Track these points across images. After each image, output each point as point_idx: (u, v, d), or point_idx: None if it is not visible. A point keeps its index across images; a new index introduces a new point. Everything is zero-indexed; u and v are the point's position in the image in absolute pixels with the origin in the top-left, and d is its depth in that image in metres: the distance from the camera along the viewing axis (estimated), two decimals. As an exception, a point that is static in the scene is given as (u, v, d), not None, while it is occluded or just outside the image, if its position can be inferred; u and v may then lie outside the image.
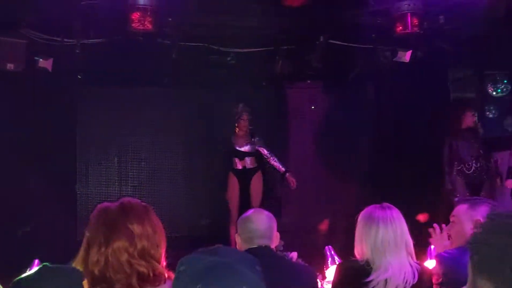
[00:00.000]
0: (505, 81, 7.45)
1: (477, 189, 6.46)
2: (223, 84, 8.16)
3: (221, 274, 1.18)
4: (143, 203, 1.98)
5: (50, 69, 7.40)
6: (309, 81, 8.30)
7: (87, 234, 1.93)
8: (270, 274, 2.44)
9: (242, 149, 7.11)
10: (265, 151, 7.25)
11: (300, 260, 4.58)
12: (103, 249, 1.84)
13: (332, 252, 4.27)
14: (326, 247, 4.38)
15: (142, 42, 7.35)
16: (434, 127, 8.38)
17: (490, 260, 1.07)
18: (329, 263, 4.19)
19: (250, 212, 2.94)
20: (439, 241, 2.85)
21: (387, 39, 7.77)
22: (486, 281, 1.06)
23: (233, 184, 7.11)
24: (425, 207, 8.29)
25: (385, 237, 2.58)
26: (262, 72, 8.35)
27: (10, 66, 6.83)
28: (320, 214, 8.30)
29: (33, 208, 7.47)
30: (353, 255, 2.78)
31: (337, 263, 3.68)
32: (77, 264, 1.87)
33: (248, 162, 7.11)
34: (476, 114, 6.75)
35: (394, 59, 8.06)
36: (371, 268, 2.59)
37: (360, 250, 2.67)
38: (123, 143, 7.86)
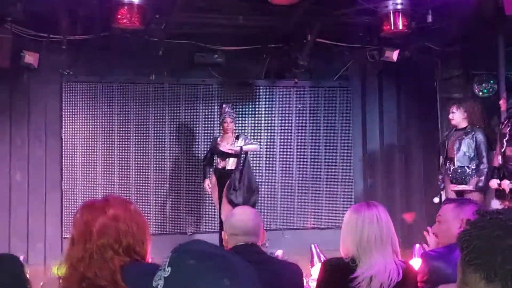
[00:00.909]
0: (491, 82, 7.50)
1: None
2: (210, 82, 8.14)
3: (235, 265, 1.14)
4: (128, 200, 1.97)
5: (36, 65, 7.36)
6: (296, 80, 8.30)
7: (72, 231, 1.92)
8: (256, 272, 2.45)
9: (226, 150, 7.09)
10: (249, 145, 7.16)
11: (286, 258, 4.59)
12: (87, 246, 1.82)
13: (318, 250, 4.28)
14: (312, 245, 4.39)
15: (129, 39, 7.32)
16: (422, 126, 8.44)
17: (481, 252, 1.08)
18: (314, 261, 4.19)
19: (236, 209, 2.93)
20: (433, 243, 2.86)
21: (375, 38, 7.81)
22: (476, 273, 1.07)
23: (214, 184, 7.11)
24: (413, 207, 8.36)
25: (370, 235, 2.59)
26: (249, 70, 8.35)
27: (-5, 61, 6.78)
28: (304, 214, 8.33)
29: (19, 202, 7.43)
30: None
31: (323, 260, 3.68)
32: (64, 261, 1.86)
33: (230, 163, 7.09)
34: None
35: (381, 59, 8.10)
36: (356, 265, 2.60)
37: (346, 247, 2.67)
38: (109, 139, 7.81)
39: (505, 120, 6.05)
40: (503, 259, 1.04)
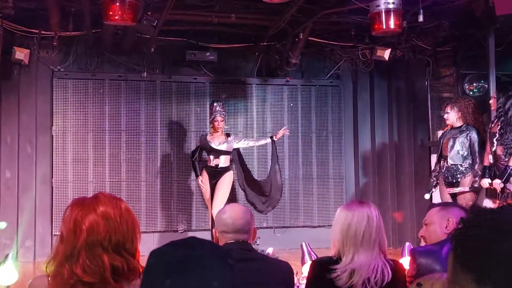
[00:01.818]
0: (482, 81, 7.54)
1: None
2: (202, 79, 8.14)
3: (190, 269, 1.16)
4: (118, 198, 1.96)
5: (26, 61, 7.32)
6: (288, 78, 8.32)
7: (61, 228, 1.91)
8: (246, 269, 2.45)
9: (219, 147, 7.08)
10: (242, 143, 7.31)
11: (276, 256, 4.59)
12: (76, 243, 1.82)
13: (309, 248, 4.28)
14: (303, 243, 4.39)
15: (121, 35, 7.30)
16: (413, 125, 8.47)
17: (475, 254, 1.06)
18: (305, 259, 4.20)
19: (227, 206, 2.93)
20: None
21: (366, 37, 7.83)
22: (468, 274, 1.05)
23: (206, 182, 7.09)
24: (404, 205, 8.39)
25: (358, 232, 2.59)
26: (241, 68, 8.36)
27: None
28: (296, 212, 8.34)
29: (8, 199, 7.39)
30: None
31: (313, 259, 3.69)
32: (52, 258, 1.85)
33: (223, 161, 7.10)
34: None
35: (373, 57, 8.13)
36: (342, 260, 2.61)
37: (334, 244, 2.68)
38: (100, 136, 7.79)
39: (495, 119, 6.08)
40: (497, 263, 1.02)
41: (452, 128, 6.51)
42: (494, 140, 5.94)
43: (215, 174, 7.08)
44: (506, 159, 5.80)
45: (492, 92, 6.41)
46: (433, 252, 2.68)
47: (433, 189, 6.59)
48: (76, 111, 7.72)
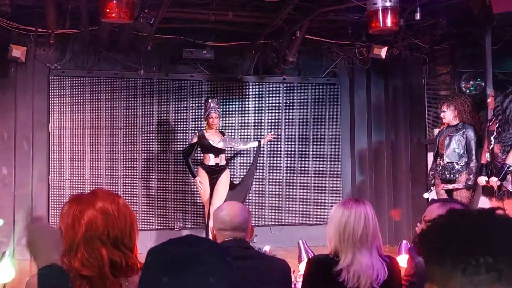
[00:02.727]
0: (479, 79, 7.55)
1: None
2: (198, 77, 8.13)
3: (188, 266, 1.17)
4: (116, 194, 1.97)
5: (23, 59, 7.31)
6: (285, 76, 8.32)
7: (59, 223, 1.91)
8: (244, 267, 2.45)
9: (219, 146, 7.04)
10: (232, 143, 7.33)
11: (273, 254, 4.59)
12: (75, 238, 1.83)
13: (305, 246, 4.29)
14: (299, 240, 4.40)
15: (117, 33, 7.29)
16: (409, 123, 8.48)
17: (434, 252, 1.07)
18: (302, 257, 4.21)
19: (224, 204, 2.93)
20: None
21: (363, 35, 7.84)
22: (433, 272, 1.07)
23: (205, 181, 7.02)
24: (400, 203, 8.41)
25: (356, 231, 2.59)
26: (238, 66, 8.35)
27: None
28: (293, 210, 8.34)
29: (5, 196, 7.38)
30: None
31: (310, 257, 3.69)
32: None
33: (222, 158, 7.08)
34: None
35: (370, 55, 8.14)
36: (339, 259, 2.61)
37: (330, 241, 2.68)
38: (97, 134, 7.78)
39: (492, 118, 6.09)
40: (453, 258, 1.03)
41: (449, 126, 6.53)
42: (492, 138, 5.96)
43: (215, 172, 7.03)
44: (503, 157, 5.82)
45: (490, 90, 6.42)
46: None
47: (432, 188, 6.61)
48: (73, 109, 7.71)
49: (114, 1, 5.61)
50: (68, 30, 7.29)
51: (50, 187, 7.57)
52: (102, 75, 7.84)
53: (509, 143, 5.81)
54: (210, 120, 7.04)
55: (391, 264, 2.68)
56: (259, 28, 7.55)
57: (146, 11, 6.34)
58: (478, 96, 7.31)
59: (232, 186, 7.23)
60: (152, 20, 6.44)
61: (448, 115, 6.46)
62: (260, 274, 2.60)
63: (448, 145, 6.38)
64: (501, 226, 1.05)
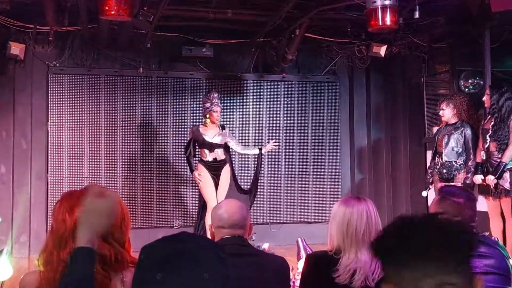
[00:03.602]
0: (478, 78, 7.55)
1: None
2: (198, 75, 8.12)
3: (182, 263, 1.17)
4: (108, 188, 1.97)
5: (22, 56, 7.30)
6: (284, 74, 8.31)
7: (51, 221, 1.93)
8: (242, 264, 2.45)
9: (213, 140, 6.85)
10: (232, 143, 7.02)
11: (272, 251, 4.59)
12: (64, 232, 1.83)
13: (304, 243, 4.28)
14: (298, 238, 4.39)
15: (117, 31, 7.28)
16: (408, 121, 8.48)
17: (386, 256, 1.15)
18: (301, 254, 4.20)
19: (223, 201, 2.93)
20: None
21: (363, 34, 7.83)
22: (387, 273, 1.14)
23: (205, 175, 6.83)
24: (399, 201, 8.41)
25: (358, 229, 2.59)
26: (237, 64, 8.35)
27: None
28: (292, 208, 8.35)
29: (3, 195, 7.37)
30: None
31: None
32: (43, 249, 1.86)
33: (219, 153, 6.88)
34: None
35: (369, 54, 8.14)
36: (340, 257, 2.60)
37: (332, 239, 2.68)
38: (96, 132, 7.77)
39: (488, 116, 6.11)
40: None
41: (447, 124, 6.53)
42: (487, 136, 5.97)
43: (215, 168, 6.83)
44: (500, 155, 5.83)
45: (486, 89, 6.43)
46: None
47: (430, 186, 6.61)
48: (72, 107, 7.70)
49: (114, -1, 5.61)
50: (67, 28, 7.29)
51: (49, 185, 7.55)
52: (101, 73, 7.83)
53: (505, 141, 5.82)
54: (215, 115, 6.81)
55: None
56: (259, 26, 7.54)
57: (145, 8, 6.33)
58: (477, 94, 7.31)
59: (239, 189, 7.06)
60: (152, 17, 6.43)
61: (448, 113, 6.47)
62: (259, 271, 2.59)
63: (447, 143, 6.39)
64: (438, 231, 1.12)
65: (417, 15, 6.18)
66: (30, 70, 7.54)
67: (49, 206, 7.47)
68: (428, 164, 7.05)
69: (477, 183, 6.05)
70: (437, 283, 1.06)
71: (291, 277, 3.12)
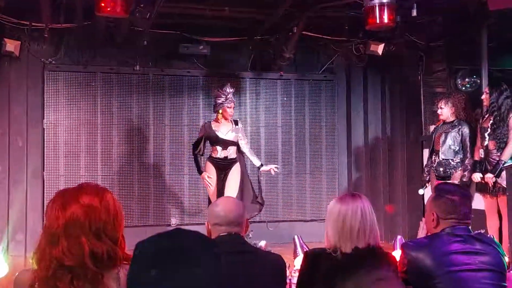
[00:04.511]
0: (475, 76, 7.55)
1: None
2: (195, 73, 8.10)
3: (176, 259, 1.18)
4: (103, 187, 1.97)
5: (17, 53, 7.26)
6: (281, 72, 8.30)
7: (45, 218, 1.93)
8: (239, 261, 2.44)
9: (226, 137, 6.62)
10: (242, 143, 6.79)
11: (269, 249, 4.59)
12: (57, 229, 1.83)
13: (301, 241, 4.28)
14: (295, 236, 4.39)
15: (113, 28, 7.26)
16: (406, 119, 8.48)
17: None
18: (297, 252, 4.20)
19: (220, 199, 2.93)
20: (422, 234, 2.90)
21: (360, 32, 7.82)
22: None
23: (213, 173, 6.62)
24: (396, 199, 8.42)
25: (353, 226, 2.58)
26: (235, 62, 8.33)
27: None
28: (289, 206, 8.34)
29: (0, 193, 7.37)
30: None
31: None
32: (36, 248, 1.86)
33: (231, 151, 6.66)
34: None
35: (366, 52, 8.13)
36: (338, 255, 2.59)
37: (328, 237, 2.67)
38: (92, 130, 7.74)
39: (486, 114, 6.11)
40: None
41: (444, 123, 6.54)
42: (486, 134, 5.98)
43: (224, 166, 6.61)
44: (498, 154, 5.84)
45: (485, 87, 6.44)
46: (424, 246, 2.66)
47: (427, 184, 6.61)
48: (68, 104, 7.67)
49: (110, -4, 5.58)
50: (63, 25, 7.25)
51: (45, 183, 7.53)
52: (97, 70, 7.80)
53: (504, 139, 5.84)
54: (229, 111, 6.56)
55: (387, 259, 2.67)
56: (256, 24, 7.53)
57: (141, 5, 6.30)
58: (474, 93, 7.31)
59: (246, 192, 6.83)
60: (148, 15, 6.41)
61: (446, 111, 6.47)
62: (255, 268, 2.59)
63: (444, 142, 6.39)
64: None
65: (414, 13, 6.17)
66: (26, 68, 7.50)
67: (45, 204, 7.41)
68: (425, 163, 7.05)
69: (476, 181, 6.05)
70: None
71: (287, 274, 3.12)
